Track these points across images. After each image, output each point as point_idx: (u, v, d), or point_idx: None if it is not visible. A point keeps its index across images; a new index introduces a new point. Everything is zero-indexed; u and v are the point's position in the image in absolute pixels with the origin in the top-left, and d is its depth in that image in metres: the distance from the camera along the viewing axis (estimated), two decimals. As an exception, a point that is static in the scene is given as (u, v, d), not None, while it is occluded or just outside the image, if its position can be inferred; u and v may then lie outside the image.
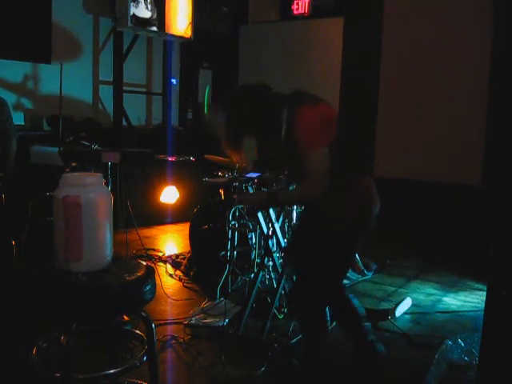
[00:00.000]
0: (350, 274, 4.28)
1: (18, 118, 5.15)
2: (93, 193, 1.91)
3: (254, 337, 3.17)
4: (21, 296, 1.85)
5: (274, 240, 3.50)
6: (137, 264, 2.07)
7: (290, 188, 2.90)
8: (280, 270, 3.43)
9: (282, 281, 3.35)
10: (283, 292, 3.48)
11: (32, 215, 4.32)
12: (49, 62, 5.32)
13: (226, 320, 3.31)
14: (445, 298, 4.09)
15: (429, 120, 5.92)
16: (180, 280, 4.28)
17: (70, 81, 5.21)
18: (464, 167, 5.69)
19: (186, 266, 4.50)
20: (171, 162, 5.95)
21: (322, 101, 2.48)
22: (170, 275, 4.40)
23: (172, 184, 6.05)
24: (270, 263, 3.71)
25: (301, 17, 6.88)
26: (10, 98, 5.03)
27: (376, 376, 2.81)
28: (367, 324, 2.79)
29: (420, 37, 5.84)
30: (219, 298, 3.75)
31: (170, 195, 6.03)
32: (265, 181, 3.59)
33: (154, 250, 5.09)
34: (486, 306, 1.62)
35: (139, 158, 4.00)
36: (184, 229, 5.39)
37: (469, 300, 4.05)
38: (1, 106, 4.20)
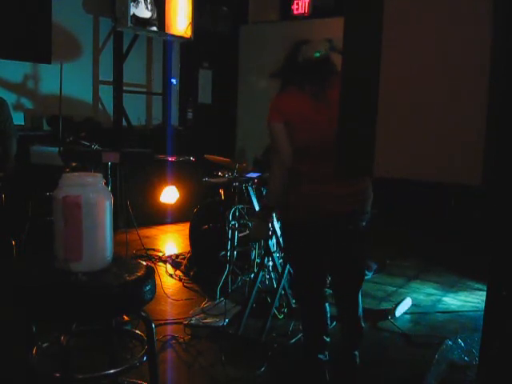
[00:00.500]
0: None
1: (18, 118, 5.14)
2: (93, 193, 1.91)
3: (253, 337, 3.17)
4: (21, 296, 1.85)
5: (274, 240, 3.50)
6: (137, 264, 2.07)
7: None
8: (280, 270, 3.43)
9: (282, 281, 3.35)
10: (283, 292, 3.48)
11: (32, 215, 4.32)
12: (49, 62, 5.31)
13: (226, 320, 3.31)
14: (445, 298, 4.09)
15: (429, 120, 5.91)
16: (180, 280, 4.28)
17: (70, 81, 5.21)
18: (464, 167, 5.67)
19: (186, 266, 4.49)
20: (171, 161, 5.95)
21: (322, 99, 2.48)
22: (170, 275, 4.40)
23: (172, 184, 6.05)
24: (270, 263, 3.72)
25: (301, 17, 6.87)
26: (10, 98, 5.02)
27: (376, 376, 2.81)
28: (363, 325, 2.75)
29: (420, 37, 5.84)
30: (219, 297, 3.75)
31: (169, 195, 6.04)
32: (265, 181, 3.59)
33: (153, 249, 5.10)
34: (485, 306, 1.61)
35: (139, 157, 4.00)
36: (184, 229, 5.39)
37: (469, 300, 4.05)
38: (1, 105, 4.19)
